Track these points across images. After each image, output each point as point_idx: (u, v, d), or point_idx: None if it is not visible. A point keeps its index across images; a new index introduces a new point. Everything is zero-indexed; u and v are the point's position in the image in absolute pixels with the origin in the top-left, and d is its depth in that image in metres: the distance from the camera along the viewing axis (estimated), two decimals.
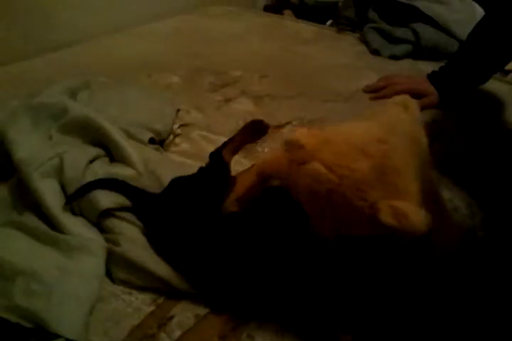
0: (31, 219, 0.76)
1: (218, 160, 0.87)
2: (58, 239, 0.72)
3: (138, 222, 0.76)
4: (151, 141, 0.94)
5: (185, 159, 0.94)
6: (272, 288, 0.66)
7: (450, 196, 0.91)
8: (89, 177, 0.80)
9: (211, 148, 0.97)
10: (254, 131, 0.98)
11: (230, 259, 0.68)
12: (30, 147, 0.83)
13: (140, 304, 0.68)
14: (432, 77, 1.13)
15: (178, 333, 0.65)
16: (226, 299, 0.69)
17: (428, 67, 1.23)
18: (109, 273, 0.72)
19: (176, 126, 1.02)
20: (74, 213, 0.78)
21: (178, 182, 0.80)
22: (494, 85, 1.19)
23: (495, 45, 1.04)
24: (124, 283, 0.71)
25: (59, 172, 0.80)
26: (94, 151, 0.87)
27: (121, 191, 0.79)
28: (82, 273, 0.68)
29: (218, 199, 0.75)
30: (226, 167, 0.85)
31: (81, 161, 0.81)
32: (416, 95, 1.11)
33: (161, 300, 0.69)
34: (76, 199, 0.78)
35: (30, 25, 1.37)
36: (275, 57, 1.41)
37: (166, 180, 0.81)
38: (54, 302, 0.64)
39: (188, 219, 0.73)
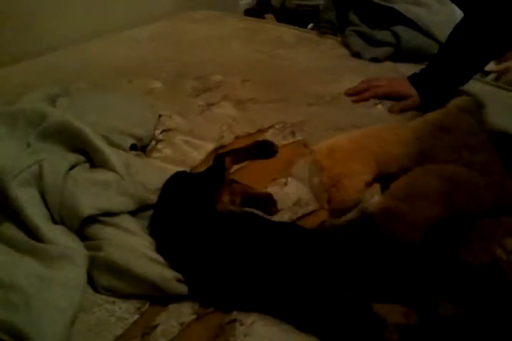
0: (10, 229, 0.74)
1: (219, 164, 0.87)
2: (38, 248, 0.70)
3: (126, 226, 0.75)
4: (133, 147, 0.93)
5: (168, 165, 0.93)
6: (268, 288, 0.66)
7: None
8: (70, 184, 0.79)
9: (194, 154, 0.96)
10: (262, 151, 0.97)
11: (226, 256, 0.69)
12: (8, 155, 0.82)
13: (123, 313, 0.67)
14: (412, 79, 1.13)
15: None
16: (218, 300, 0.68)
17: (409, 69, 1.23)
18: (91, 282, 0.70)
19: (158, 132, 1.01)
20: (54, 222, 0.76)
21: (176, 178, 0.83)
22: (475, 86, 1.19)
23: (474, 46, 1.05)
24: (108, 290, 0.69)
25: (38, 180, 0.78)
26: (73, 158, 0.85)
27: None
28: (63, 283, 0.66)
29: (211, 199, 0.78)
30: (224, 171, 0.86)
31: (61, 168, 0.79)
32: (397, 97, 1.13)
33: (144, 309, 0.67)
34: None
35: (8, 32, 1.35)
36: (257, 62, 1.41)
37: (149, 184, 0.80)
38: (34, 313, 0.62)
39: (186, 215, 0.75)
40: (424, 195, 0.65)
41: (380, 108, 1.12)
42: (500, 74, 1.30)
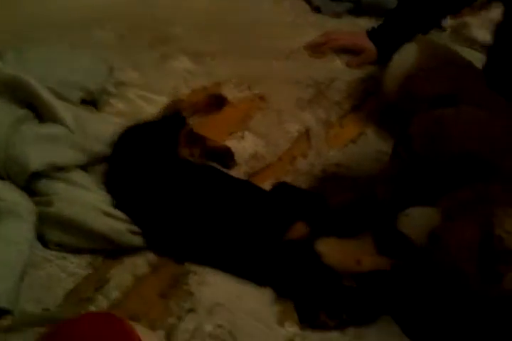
0: None
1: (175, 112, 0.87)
2: None
3: (78, 181, 0.73)
4: (84, 101, 0.89)
5: (121, 120, 0.89)
6: (220, 238, 0.67)
7: None
8: (17, 139, 0.75)
9: (149, 108, 0.94)
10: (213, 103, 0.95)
11: (183, 208, 0.69)
12: None
13: (75, 268, 0.66)
14: (370, 33, 1.12)
15: (116, 294, 0.63)
16: (174, 251, 0.69)
17: (369, 24, 1.21)
18: (41, 239, 0.69)
19: (110, 85, 0.97)
20: (0, 177, 0.73)
21: (131, 129, 0.81)
22: None
23: (430, 0, 1.04)
24: (59, 246, 0.68)
25: None
26: (21, 112, 0.81)
27: None
28: (10, 238, 0.65)
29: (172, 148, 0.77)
30: (182, 117, 0.86)
31: (5, 121, 0.76)
32: (355, 51, 1.12)
33: (97, 263, 0.67)
34: None
35: None
36: (216, 15, 1.35)
37: (101, 136, 0.78)
38: None
39: (145, 166, 0.74)
40: None
41: (338, 61, 1.11)
42: (456, 30, 1.30)
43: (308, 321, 0.62)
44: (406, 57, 0.86)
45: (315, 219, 0.66)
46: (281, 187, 0.76)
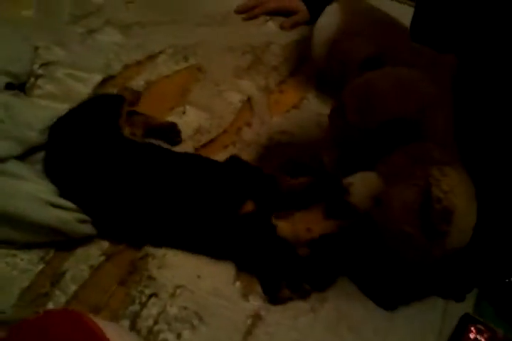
0: None
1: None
2: None
3: (15, 172, 0.70)
4: (9, 86, 0.84)
5: (52, 102, 0.85)
6: (173, 217, 0.66)
7: None
8: None
9: (81, 88, 0.89)
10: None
11: (131, 190, 0.67)
12: None
13: (27, 264, 0.64)
14: None
15: (73, 288, 0.62)
16: (128, 236, 0.68)
17: None
18: None
19: (36, 66, 0.91)
20: None
21: (68, 113, 0.78)
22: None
23: None
24: (6, 243, 0.66)
25: None
26: None
27: None
28: None
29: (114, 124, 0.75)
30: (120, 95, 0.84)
31: None
32: (286, 12, 1.10)
33: (49, 257, 0.65)
34: None
35: None
36: None
37: (34, 124, 0.75)
38: None
39: (86, 146, 0.72)
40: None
41: (271, 25, 1.09)
42: None
43: (271, 295, 0.64)
44: (329, 20, 0.85)
45: (265, 199, 0.66)
46: (232, 161, 0.75)
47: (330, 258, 0.65)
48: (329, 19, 0.85)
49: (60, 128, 0.76)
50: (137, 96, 0.90)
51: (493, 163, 0.64)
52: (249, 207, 0.65)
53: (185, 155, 0.77)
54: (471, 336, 0.66)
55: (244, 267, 0.66)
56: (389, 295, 0.69)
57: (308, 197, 0.65)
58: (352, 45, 0.79)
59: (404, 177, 0.59)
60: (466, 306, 0.70)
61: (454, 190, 0.56)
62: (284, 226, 0.63)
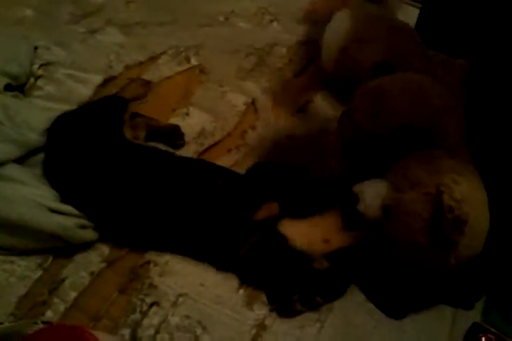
0: None
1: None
2: None
3: (14, 176, 0.68)
4: (8, 87, 0.82)
5: (52, 103, 0.84)
6: (177, 223, 0.64)
7: None
8: None
9: (81, 88, 0.87)
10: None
11: (134, 195, 0.66)
12: None
13: (24, 271, 0.62)
14: None
15: (73, 295, 0.61)
16: (131, 241, 0.66)
17: None
18: None
19: (35, 67, 0.89)
20: None
21: (68, 114, 0.76)
22: None
23: None
24: (3, 250, 0.64)
25: None
26: None
27: None
28: None
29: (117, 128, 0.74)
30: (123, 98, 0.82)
31: None
32: None
33: (48, 264, 0.63)
34: None
35: None
36: None
37: (33, 125, 0.73)
38: None
39: (87, 150, 0.70)
40: None
41: (276, 25, 1.07)
42: None
43: (282, 309, 0.62)
44: (339, 26, 0.83)
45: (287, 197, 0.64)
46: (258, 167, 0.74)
47: (346, 271, 0.64)
48: (340, 24, 0.83)
49: (61, 131, 0.74)
50: (147, 86, 0.88)
51: (508, 169, 0.63)
52: (263, 213, 0.63)
53: (186, 159, 0.75)
54: None
55: (248, 279, 0.64)
56: (398, 303, 0.67)
57: (322, 201, 0.64)
58: (362, 51, 0.78)
59: (415, 185, 0.57)
60: (475, 314, 0.68)
61: (466, 198, 0.54)
62: (297, 237, 0.61)
